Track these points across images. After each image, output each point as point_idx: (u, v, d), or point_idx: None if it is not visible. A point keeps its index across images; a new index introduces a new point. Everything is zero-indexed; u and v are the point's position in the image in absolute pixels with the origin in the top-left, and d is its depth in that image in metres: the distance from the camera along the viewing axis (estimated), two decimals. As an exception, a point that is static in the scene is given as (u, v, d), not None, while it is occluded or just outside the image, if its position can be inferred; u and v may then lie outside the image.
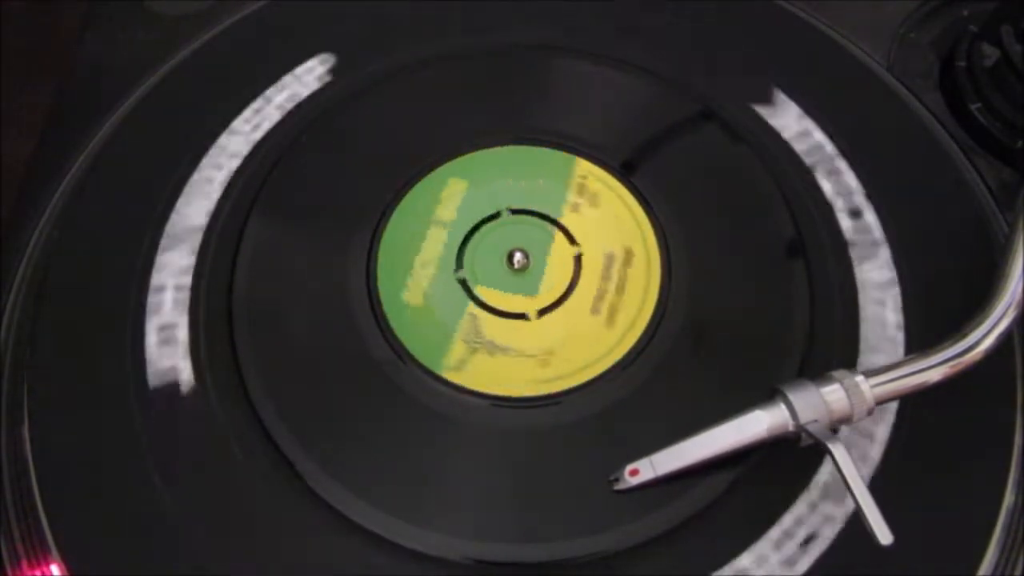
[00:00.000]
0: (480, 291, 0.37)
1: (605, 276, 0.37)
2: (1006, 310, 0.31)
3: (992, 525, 0.32)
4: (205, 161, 0.39)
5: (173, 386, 0.34)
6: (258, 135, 0.40)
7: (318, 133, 0.40)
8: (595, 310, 0.36)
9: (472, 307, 0.36)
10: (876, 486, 0.30)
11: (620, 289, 0.36)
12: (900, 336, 0.36)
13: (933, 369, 0.31)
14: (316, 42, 0.43)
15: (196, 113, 0.40)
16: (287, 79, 0.42)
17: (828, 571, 0.32)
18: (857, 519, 0.29)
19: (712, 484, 0.32)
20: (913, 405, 0.34)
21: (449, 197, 0.39)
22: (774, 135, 0.41)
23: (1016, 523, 0.33)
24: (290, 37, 0.43)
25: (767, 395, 0.32)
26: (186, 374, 0.35)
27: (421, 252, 0.38)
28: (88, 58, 0.43)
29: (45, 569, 0.31)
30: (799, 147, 0.40)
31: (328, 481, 0.32)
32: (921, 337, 0.36)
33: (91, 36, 0.44)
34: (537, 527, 0.32)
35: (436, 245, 0.38)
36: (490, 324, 0.36)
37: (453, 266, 0.37)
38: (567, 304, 0.37)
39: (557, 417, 0.34)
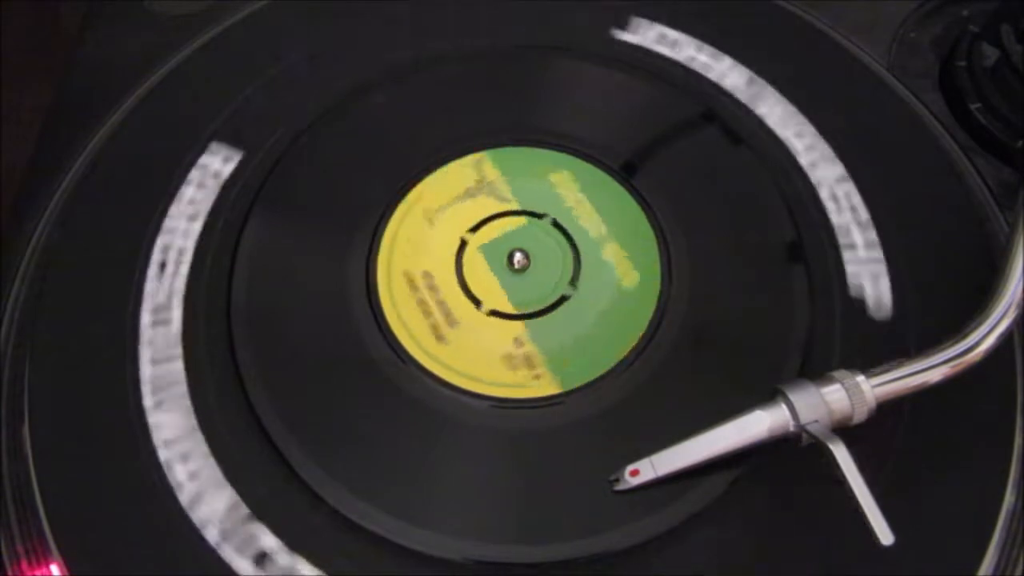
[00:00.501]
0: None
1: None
2: (1006, 310, 0.31)
3: (992, 525, 0.32)
4: (205, 160, 0.39)
5: (172, 386, 0.34)
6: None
7: (318, 133, 0.40)
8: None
9: (450, 263, 0.37)
10: (876, 486, 0.30)
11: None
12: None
13: (933, 369, 0.31)
14: (316, 42, 0.43)
15: (196, 113, 0.40)
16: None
17: (828, 571, 0.32)
18: (857, 520, 0.29)
19: (712, 484, 0.32)
20: (913, 405, 0.34)
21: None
22: (774, 136, 0.41)
23: (1016, 523, 0.33)
24: (290, 37, 0.43)
25: (768, 395, 0.32)
26: (185, 374, 0.35)
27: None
28: (88, 58, 0.43)
29: (45, 569, 0.31)
30: (799, 148, 0.40)
31: (328, 481, 0.32)
32: (921, 336, 0.36)
33: (91, 36, 0.44)
34: (537, 527, 0.32)
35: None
36: (447, 286, 0.37)
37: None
38: (516, 324, 0.36)
39: (557, 417, 0.34)
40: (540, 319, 0.36)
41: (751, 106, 0.41)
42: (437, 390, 0.34)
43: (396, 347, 0.35)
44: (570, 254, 0.38)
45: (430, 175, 0.39)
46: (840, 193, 0.39)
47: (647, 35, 0.43)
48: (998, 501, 0.33)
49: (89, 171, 0.39)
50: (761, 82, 0.42)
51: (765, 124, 0.41)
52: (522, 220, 0.39)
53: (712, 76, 0.42)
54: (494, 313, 0.36)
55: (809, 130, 0.41)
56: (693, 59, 0.43)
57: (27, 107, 0.43)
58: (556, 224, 0.38)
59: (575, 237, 0.38)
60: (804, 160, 0.40)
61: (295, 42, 0.43)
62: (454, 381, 0.35)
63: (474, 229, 0.38)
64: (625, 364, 0.35)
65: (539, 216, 0.39)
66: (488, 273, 0.37)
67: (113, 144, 0.40)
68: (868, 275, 0.37)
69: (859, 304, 0.37)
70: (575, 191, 0.39)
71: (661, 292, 0.36)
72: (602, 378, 0.35)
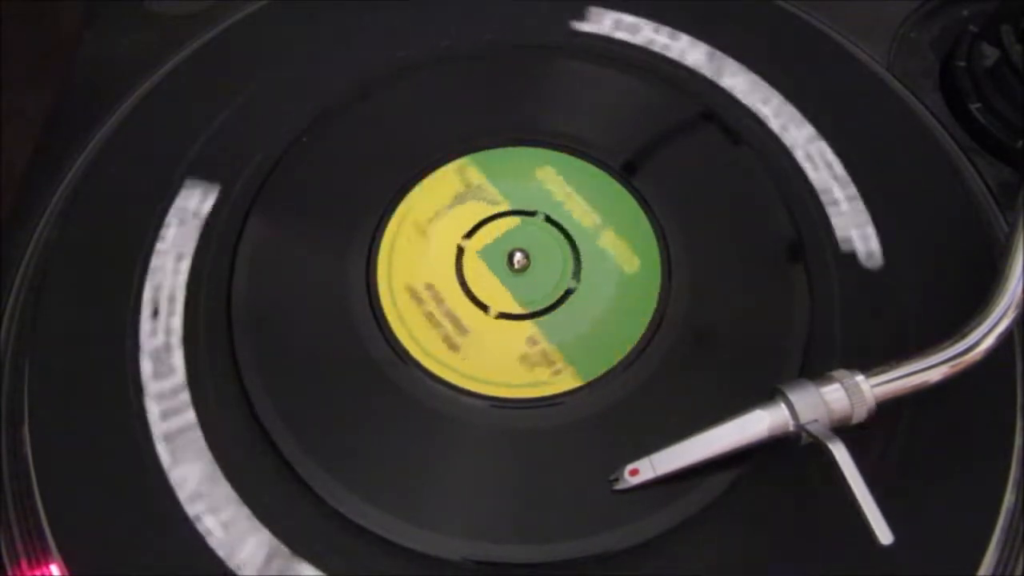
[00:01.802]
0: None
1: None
2: (1006, 310, 0.31)
3: (992, 525, 0.32)
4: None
5: (172, 386, 0.34)
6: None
7: (318, 133, 0.40)
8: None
9: (451, 273, 0.37)
10: (876, 486, 0.30)
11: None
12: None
13: (933, 369, 0.31)
14: (316, 42, 0.43)
15: (196, 113, 0.40)
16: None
17: (828, 571, 0.32)
18: (857, 520, 0.29)
19: (712, 484, 0.32)
20: (913, 405, 0.34)
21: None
22: (774, 136, 0.41)
23: (1016, 523, 0.33)
24: (290, 37, 0.43)
25: (767, 395, 0.32)
26: (184, 374, 0.35)
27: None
28: (88, 58, 0.43)
29: (45, 569, 0.31)
30: (767, 114, 0.40)
31: (328, 481, 0.32)
32: (921, 336, 0.36)
33: (91, 36, 0.44)
34: (537, 527, 0.32)
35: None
36: (453, 296, 0.37)
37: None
38: (527, 323, 0.36)
39: (557, 417, 0.34)
40: (549, 315, 0.36)
41: (716, 80, 0.42)
42: (437, 390, 0.34)
43: (396, 347, 0.35)
44: (568, 248, 0.38)
45: (416, 187, 0.39)
46: (839, 193, 0.39)
47: (604, 23, 0.44)
48: (998, 501, 0.33)
49: (89, 171, 0.39)
50: (721, 55, 0.42)
51: (733, 95, 0.41)
52: (515, 220, 0.39)
53: (673, 55, 0.43)
54: (503, 316, 0.36)
55: (777, 97, 0.41)
56: (652, 41, 0.43)
57: (27, 107, 0.43)
58: (549, 219, 0.38)
59: (570, 230, 0.38)
60: (804, 161, 0.40)
61: (295, 42, 0.43)
62: (476, 389, 0.35)
63: (469, 235, 0.38)
64: (625, 364, 0.35)
65: (531, 214, 0.39)
66: (490, 276, 0.37)
67: (113, 144, 0.40)
68: (867, 274, 0.37)
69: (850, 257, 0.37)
70: (563, 185, 0.39)
71: (661, 292, 0.37)
72: (602, 377, 0.35)
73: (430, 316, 0.36)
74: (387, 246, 0.38)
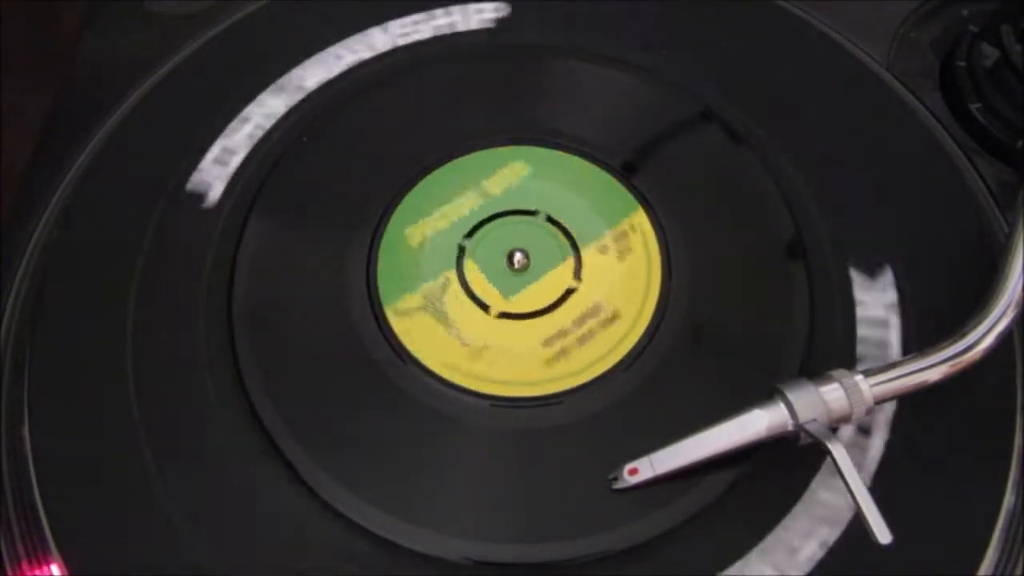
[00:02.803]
0: (468, 265, 0.37)
1: (578, 322, 0.36)
2: (1005, 309, 0.31)
3: (992, 525, 0.32)
4: (205, 160, 0.39)
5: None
6: (260, 132, 0.40)
7: (318, 133, 0.40)
8: (547, 343, 0.36)
9: (451, 274, 0.37)
10: (876, 486, 0.30)
11: (582, 340, 0.36)
12: (900, 334, 0.36)
13: (932, 368, 0.31)
14: (316, 42, 0.43)
15: (196, 113, 0.41)
16: (290, 76, 0.42)
17: (828, 571, 0.32)
18: (856, 520, 0.29)
19: (712, 484, 0.32)
20: (913, 405, 0.34)
21: (506, 174, 0.39)
22: (774, 136, 0.41)
23: (1016, 523, 0.33)
24: (290, 37, 0.43)
25: (766, 394, 0.32)
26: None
27: (451, 204, 0.38)
28: (88, 58, 0.43)
29: (45, 569, 0.31)
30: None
31: (328, 481, 0.32)
32: (921, 336, 0.36)
33: (91, 36, 0.44)
34: (537, 527, 0.32)
35: (465, 207, 0.38)
36: (454, 297, 0.37)
37: (465, 231, 0.38)
38: (528, 323, 0.36)
39: (557, 417, 0.34)
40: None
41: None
42: (437, 389, 0.34)
43: (396, 346, 0.35)
44: (569, 247, 0.38)
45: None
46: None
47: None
48: (998, 501, 0.33)
49: (89, 171, 0.39)
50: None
51: (765, 125, 0.41)
52: (516, 219, 0.39)
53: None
54: (504, 315, 0.37)
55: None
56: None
57: (27, 107, 0.43)
58: (551, 219, 0.38)
59: (571, 230, 0.38)
60: (804, 161, 0.40)
61: (295, 42, 0.43)
62: (494, 391, 0.35)
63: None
64: (625, 364, 0.35)
65: (531, 213, 0.39)
66: (488, 277, 0.37)
67: (113, 144, 0.40)
68: (867, 274, 0.37)
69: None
70: (563, 185, 0.39)
71: (661, 291, 0.36)
72: (602, 377, 0.35)
73: (442, 316, 0.36)
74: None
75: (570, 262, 0.38)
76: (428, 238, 0.38)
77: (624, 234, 0.38)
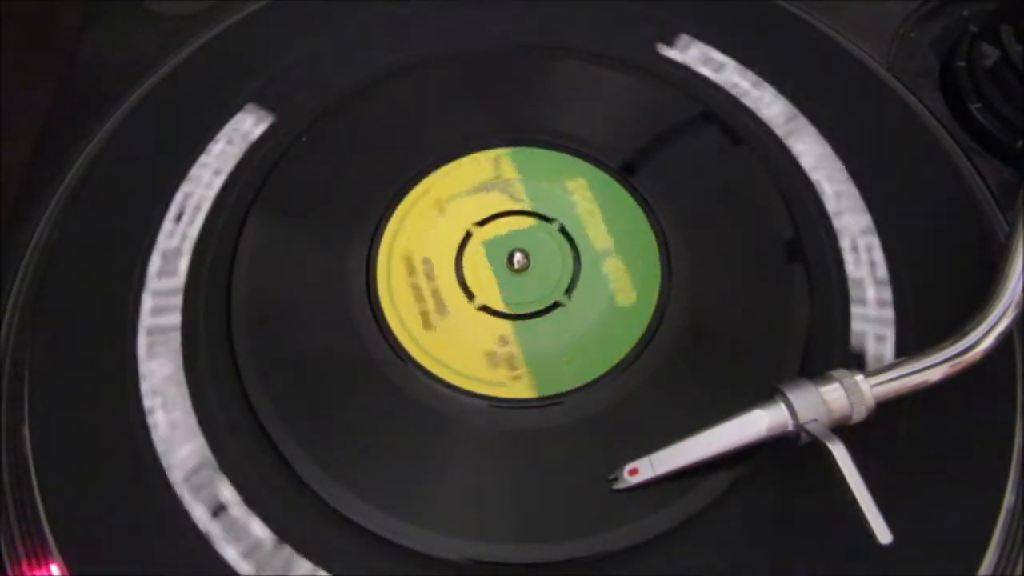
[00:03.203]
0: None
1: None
2: (1006, 309, 0.31)
3: (992, 525, 0.32)
4: (206, 159, 0.39)
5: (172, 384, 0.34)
6: (260, 132, 0.40)
7: (318, 133, 0.40)
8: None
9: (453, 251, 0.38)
10: (876, 486, 0.30)
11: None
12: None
13: (933, 368, 0.31)
14: (316, 42, 0.43)
15: (196, 113, 0.41)
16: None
17: (828, 571, 0.32)
18: (856, 520, 0.29)
19: (712, 484, 0.32)
20: (913, 405, 0.34)
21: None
22: (774, 136, 0.41)
23: (1016, 523, 0.33)
24: (290, 37, 0.43)
25: (766, 395, 0.32)
26: (184, 373, 0.35)
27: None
28: (88, 58, 0.43)
29: (45, 569, 0.31)
30: (828, 192, 0.40)
31: (328, 481, 0.32)
32: (921, 336, 0.36)
33: (91, 36, 0.44)
34: (537, 527, 0.32)
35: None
36: (443, 270, 0.37)
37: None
38: (499, 322, 0.36)
39: (557, 417, 0.34)
40: (529, 322, 0.36)
41: (786, 141, 0.40)
42: (436, 389, 0.34)
43: (395, 346, 0.35)
44: (571, 262, 0.38)
45: (448, 164, 0.39)
46: (839, 193, 0.39)
47: (691, 54, 0.43)
48: (998, 501, 0.33)
49: (89, 171, 0.39)
50: (803, 120, 0.41)
51: (766, 124, 0.41)
52: (530, 221, 0.39)
53: (749, 103, 0.41)
54: (485, 308, 0.37)
55: (843, 176, 0.40)
56: (736, 85, 0.42)
57: (27, 107, 0.43)
58: (563, 230, 0.38)
59: (580, 246, 0.38)
60: (804, 161, 0.40)
61: (295, 42, 0.43)
62: (431, 368, 0.35)
63: (482, 223, 0.38)
64: (625, 364, 0.35)
65: (548, 220, 0.39)
66: (487, 269, 0.37)
67: (113, 144, 0.40)
68: (867, 273, 0.37)
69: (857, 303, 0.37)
70: (589, 200, 0.39)
71: (661, 292, 0.36)
72: (579, 390, 0.34)
73: (416, 288, 0.36)
74: (402, 212, 0.38)
75: (567, 277, 0.37)
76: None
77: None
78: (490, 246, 0.38)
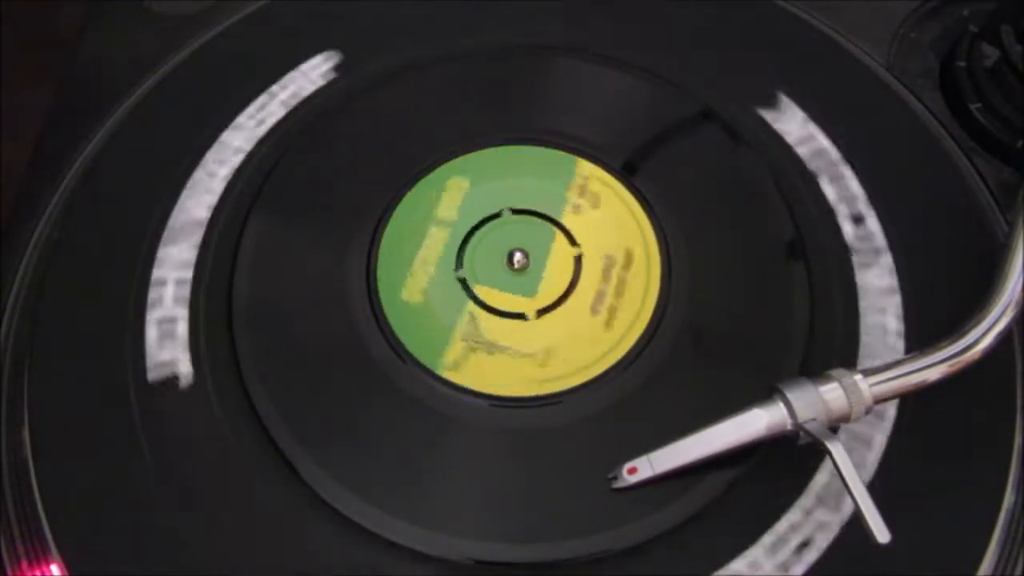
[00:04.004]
0: (479, 290, 0.37)
1: (605, 277, 0.37)
2: (1005, 309, 0.31)
3: (992, 525, 0.32)
4: (206, 159, 0.39)
5: (172, 380, 0.34)
6: (261, 131, 0.40)
7: (319, 132, 0.40)
8: (595, 311, 0.36)
9: (472, 306, 0.37)
10: (876, 486, 0.30)
11: (619, 291, 0.36)
12: (900, 334, 0.36)
13: (932, 368, 0.31)
14: (316, 42, 0.43)
15: (196, 113, 0.41)
16: (291, 76, 0.42)
17: (828, 571, 0.32)
18: (855, 520, 0.29)
19: (711, 484, 0.32)
20: (913, 404, 0.34)
21: (451, 196, 0.39)
22: (775, 136, 0.41)
23: (1016, 523, 0.33)
24: (290, 37, 0.43)
25: (766, 394, 0.32)
26: (185, 369, 0.35)
27: (422, 250, 0.38)
28: (88, 58, 0.43)
29: (45, 569, 0.31)
30: (800, 149, 0.40)
31: (328, 481, 0.32)
32: (920, 335, 0.36)
33: (91, 36, 0.44)
34: (537, 527, 0.32)
35: (437, 244, 0.38)
36: (489, 323, 0.36)
37: (453, 265, 0.37)
38: (567, 304, 0.37)
39: (557, 417, 0.34)
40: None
41: (787, 140, 0.40)
42: (437, 389, 0.34)
43: (396, 346, 0.35)
44: (550, 224, 0.38)
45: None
46: (839, 193, 0.39)
47: (791, 123, 0.41)
48: (998, 501, 0.33)
49: (89, 171, 0.39)
50: (802, 119, 0.40)
51: (766, 125, 0.41)
52: (489, 228, 0.39)
53: (823, 183, 0.39)
54: (543, 311, 0.37)
55: (811, 132, 0.40)
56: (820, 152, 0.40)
57: (27, 107, 0.43)
58: (515, 211, 0.39)
59: (540, 210, 0.38)
60: (805, 161, 0.40)
61: (295, 42, 0.43)
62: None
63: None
64: (625, 363, 0.35)
65: (497, 216, 0.39)
66: (503, 288, 0.37)
67: (113, 144, 0.40)
68: (867, 273, 0.37)
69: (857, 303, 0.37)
70: (577, 192, 0.39)
71: (661, 292, 0.37)
72: (601, 377, 0.35)
73: (491, 347, 0.36)
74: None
75: (560, 235, 0.38)
76: (427, 291, 0.37)
77: (583, 187, 0.39)
78: (487, 271, 0.38)
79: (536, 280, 0.37)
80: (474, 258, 0.38)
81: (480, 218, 0.38)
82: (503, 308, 0.37)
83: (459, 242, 0.38)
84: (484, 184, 0.39)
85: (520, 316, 0.36)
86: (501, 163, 0.40)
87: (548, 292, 0.37)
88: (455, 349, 0.35)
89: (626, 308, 0.36)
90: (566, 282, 0.37)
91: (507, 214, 0.38)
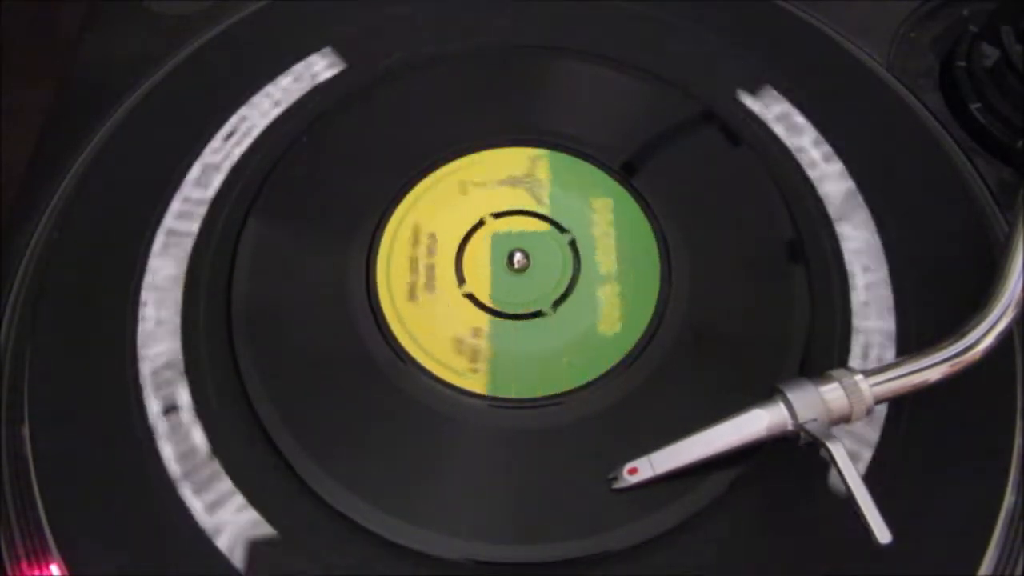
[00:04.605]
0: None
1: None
2: (1005, 309, 0.31)
3: (992, 525, 0.32)
4: (206, 159, 0.39)
5: (171, 385, 0.34)
6: (260, 131, 0.40)
7: (319, 133, 0.40)
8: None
9: (472, 306, 0.37)
10: (876, 486, 0.30)
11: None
12: (899, 334, 0.36)
13: (932, 368, 0.31)
14: (315, 43, 0.43)
15: (196, 113, 0.41)
16: (290, 76, 0.42)
17: (828, 571, 0.32)
18: (857, 519, 0.29)
19: (712, 484, 0.32)
20: (913, 405, 0.34)
21: (579, 190, 0.39)
22: (775, 137, 0.41)
23: (1016, 523, 0.33)
24: (289, 37, 0.43)
25: (766, 394, 0.32)
26: (185, 374, 0.35)
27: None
28: (88, 58, 0.43)
29: (45, 569, 0.31)
30: (799, 148, 0.40)
31: (328, 481, 0.32)
32: (920, 336, 0.36)
33: (91, 36, 0.44)
34: (537, 527, 0.32)
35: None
36: (489, 323, 0.36)
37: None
38: (476, 312, 0.37)
39: (557, 417, 0.34)
40: (507, 322, 0.36)
41: (836, 225, 0.39)
42: (437, 389, 0.34)
43: (396, 346, 0.35)
44: (569, 276, 0.37)
45: (484, 151, 0.40)
46: (840, 193, 0.39)
47: (771, 108, 0.41)
48: (998, 501, 0.33)
49: (89, 171, 0.39)
50: (859, 200, 0.39)
51: (766, 125, 0.41)
52: (544, 226, 0.39)
53: (812, 174, 0.40)
54: (470, 297, 0.37)
55: (843, 176, 0.40)
56: (801, 149, 0.40)
57: (27, 107, 0.43)
58: (573, 244, 0.38)
59: (583, 263, 0.38)
60: (804, 161, 0.40)
61: (295, 42, 0.43)
62: (401, 339, 0.35)
63: (498, 216, 0.38)
64: (625, 363, 0.35)
65: (562, 230, 0.38)
66: (486, 261, 0.38)
67: (113, 144, 0.40)
68: (867, 273, 0.37)
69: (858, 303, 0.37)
70: (608, 222, 0.39)
71: (661, 292, 0.36)
72: (602, 377, 0.35)
73: (413, 260, 0.37)
74: (424, 186, 0.38)
75: (560, 289, 0.37)
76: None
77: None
78: (497, 240, 0.38)
79: (509, 288, 0.37)
80: (511, 228, 0.38)
81: (562, 222, 0.39)
82: (503, 308, 0.37)
83: (524, 209, 0.39)
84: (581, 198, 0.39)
85: (461, 279, 0.37)
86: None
87: (495, 297, 0.37)
88: (455, 349, 0.35)
89: (475, 361, 0.35)
90: (508, 311, 0.37)
91: (566, 238, 0.38)
